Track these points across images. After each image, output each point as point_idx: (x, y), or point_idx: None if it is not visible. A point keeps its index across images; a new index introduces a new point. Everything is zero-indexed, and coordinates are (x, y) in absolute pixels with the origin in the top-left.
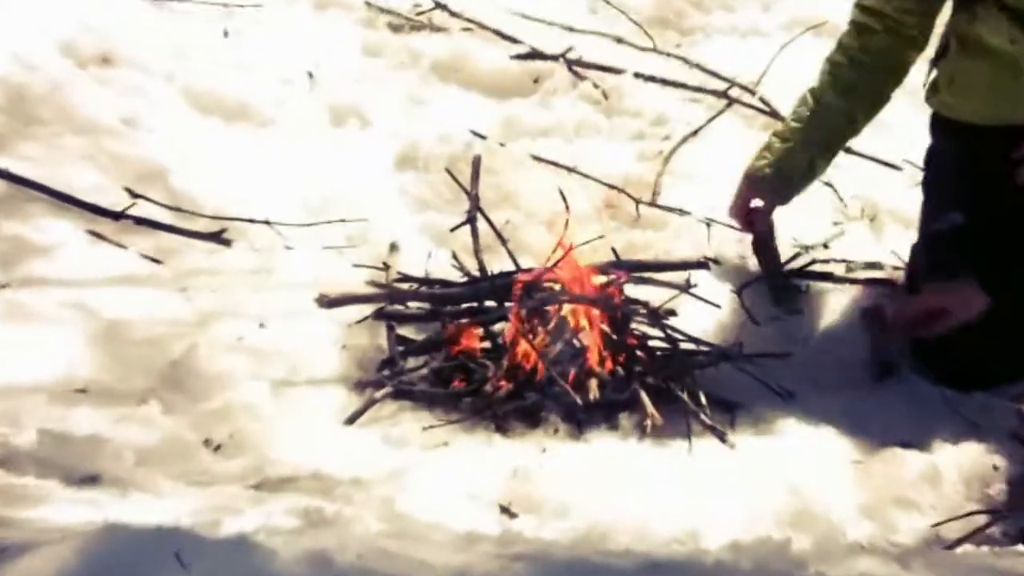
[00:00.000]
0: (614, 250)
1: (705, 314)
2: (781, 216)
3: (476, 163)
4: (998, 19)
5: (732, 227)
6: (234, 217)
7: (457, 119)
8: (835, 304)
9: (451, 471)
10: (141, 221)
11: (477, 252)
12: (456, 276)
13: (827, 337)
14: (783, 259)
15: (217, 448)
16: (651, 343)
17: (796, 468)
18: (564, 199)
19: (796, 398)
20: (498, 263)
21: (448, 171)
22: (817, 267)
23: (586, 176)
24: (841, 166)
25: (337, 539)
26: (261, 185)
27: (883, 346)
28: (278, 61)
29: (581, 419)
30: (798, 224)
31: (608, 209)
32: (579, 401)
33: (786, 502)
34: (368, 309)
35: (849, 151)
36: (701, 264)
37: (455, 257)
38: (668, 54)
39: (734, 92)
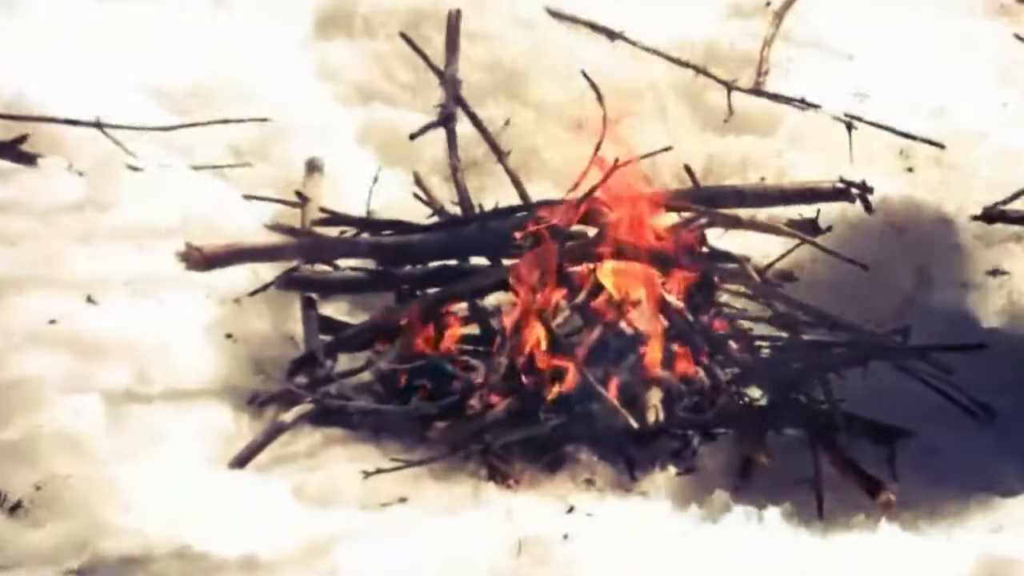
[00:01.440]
0: (690, 170)
1: (845, 278)
2: (979, 120)
3: (453, 23)
4: None
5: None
6: (43, 116)
7: None
8: None
9: (413, 546)
10: None
11: (456, 174)
12: (421, 215)
13: None
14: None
15: (16, 508)
16: (753, 328)
17: (998, 536)
18: (596, 88)
19: (998, 418)
20: (492, 192)
21: (405, 37)
22: None
23: (641, 46)
24: None
25: None
26: (88, 63)
27: None
28: None
29: (633, 458)
30: (1005, 131)
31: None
32: (632, 425)
33: None
34: (271, 271)
35: None
36: (840, 192)
37: (419, 183)
38: None
39: None
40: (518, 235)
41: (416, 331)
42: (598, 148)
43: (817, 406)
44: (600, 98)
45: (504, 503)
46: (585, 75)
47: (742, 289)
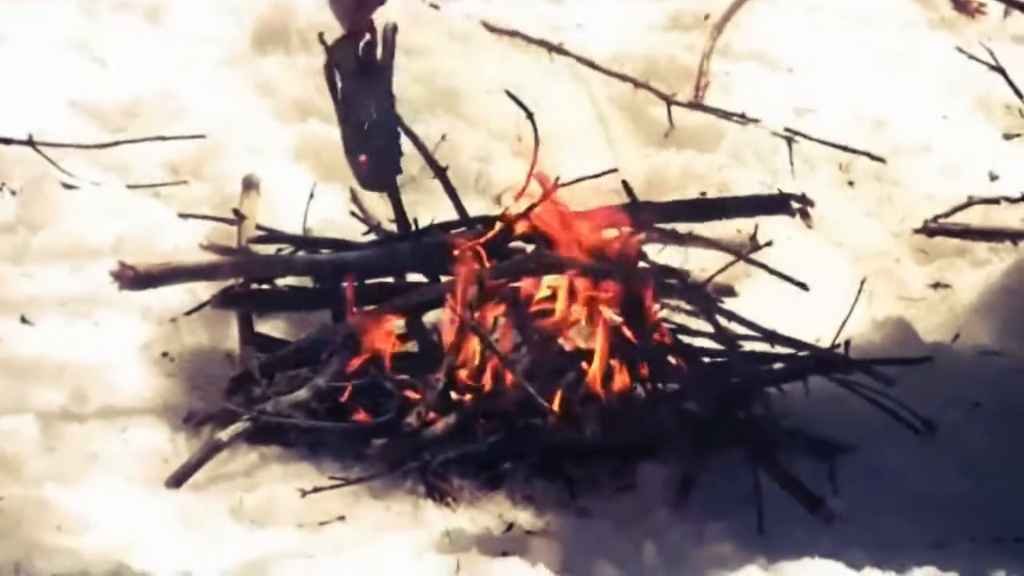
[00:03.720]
0: (627, 185)
1: (785, 294)
2: (921, 133)
3: (389, 38)
4: None
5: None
6: None
7: None
8: (1006, 274)
9: (351, 565)
10: None
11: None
12: (357, 232)
13: (992, 330)
14: None
15: None
16: (693, 343)
17: (939, 552)
18: (523, 106)
19: (938, 433)
20: (429, 209)
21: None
22: (976, 212)
23: (580, 59)
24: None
25: None
26: (18, 78)
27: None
28: None
29: (572, 475)
30: (947, 144)
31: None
32: (571, 441)
33: None
34: (207, 290)
35: None
36: (778, 204)
37: (355, 199)
38: None
39: None
40: (455, 251)
41: (354, 349)
42: (533, 165)
43: (757, 421)
44: (530, 116)
45: (443, 521)
46: (510, 95)
47: (682, 304)
